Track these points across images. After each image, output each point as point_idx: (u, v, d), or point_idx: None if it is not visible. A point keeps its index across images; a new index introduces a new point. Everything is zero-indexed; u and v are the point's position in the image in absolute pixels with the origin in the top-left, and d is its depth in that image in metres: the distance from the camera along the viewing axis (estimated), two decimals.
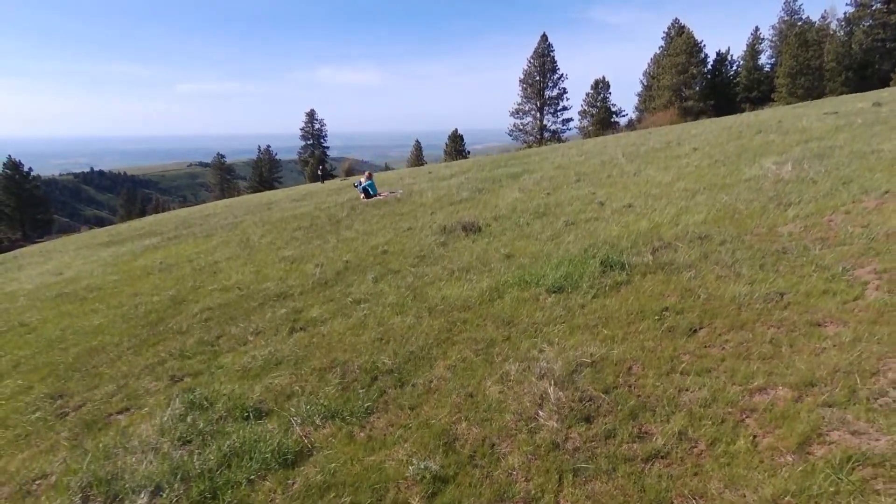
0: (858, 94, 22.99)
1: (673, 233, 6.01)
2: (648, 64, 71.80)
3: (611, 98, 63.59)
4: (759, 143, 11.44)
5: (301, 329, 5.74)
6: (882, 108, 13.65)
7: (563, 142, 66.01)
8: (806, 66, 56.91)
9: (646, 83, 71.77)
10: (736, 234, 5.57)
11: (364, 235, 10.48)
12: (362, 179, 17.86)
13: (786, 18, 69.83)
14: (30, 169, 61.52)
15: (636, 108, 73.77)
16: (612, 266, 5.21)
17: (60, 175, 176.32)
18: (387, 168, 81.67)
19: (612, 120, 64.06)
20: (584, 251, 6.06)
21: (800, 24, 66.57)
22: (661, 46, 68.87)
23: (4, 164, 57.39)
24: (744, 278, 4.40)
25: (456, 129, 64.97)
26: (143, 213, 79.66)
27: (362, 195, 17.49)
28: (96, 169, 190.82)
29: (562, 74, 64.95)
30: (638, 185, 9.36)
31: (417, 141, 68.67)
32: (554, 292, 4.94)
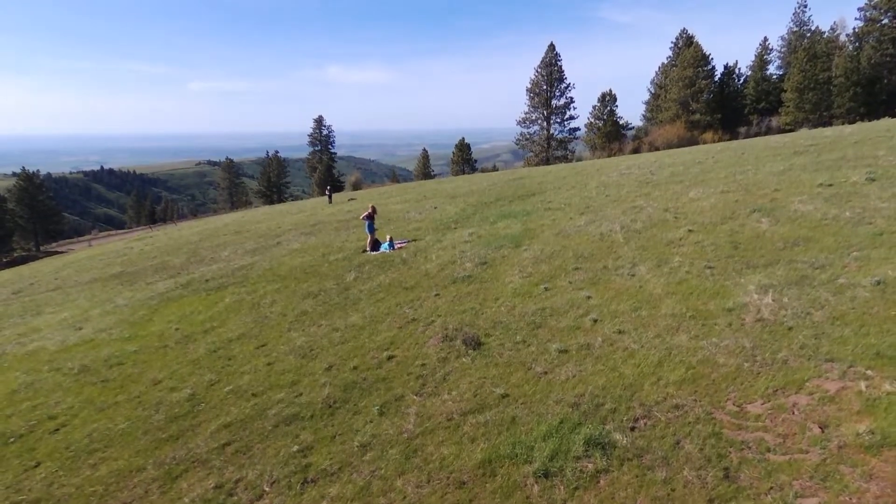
0: (859, 136, 23.25)
1: (654, 396, 6.58)
2: (656, 72, 71.69)
3: (618, 110, 63.60)
4: (750, 234, 11.93)
5: (312, 482, 6.35)
6: (874, 185, 14.03)
7: (571, 154, 66.30)
8: (814, 81, 56.83)
9: (653, 92, 71.79)
10: (709, 410, 6.12)
11: (371, 323, 11.08)
12: (369, 212, 18.36)
13: (795, 29, 69.33)
14: (41, 179, 62.55)
15: (643, 115, 73.88)
16: (594, 444, 5.78)
17: (71, 173, 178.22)
18: (394, 175, 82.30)
19: (621, 132, 64.16)
20: (572, 408, 6.64)
21: (809, 35, 66.21)
22: (669, 56, 68.75)
23: (17, 175, 58.45)
24: (707, 490, 4.95)
25: (463, 139, 65.35)
26: (152, 214, 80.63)
27: (369, 247, 18.10)
28: (106, 167, 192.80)
29: (569, 84, 65.06)
30: (630, 294, 9.90)
31: (425, 150, 69.10)
32: (541, 476, 5.52)
